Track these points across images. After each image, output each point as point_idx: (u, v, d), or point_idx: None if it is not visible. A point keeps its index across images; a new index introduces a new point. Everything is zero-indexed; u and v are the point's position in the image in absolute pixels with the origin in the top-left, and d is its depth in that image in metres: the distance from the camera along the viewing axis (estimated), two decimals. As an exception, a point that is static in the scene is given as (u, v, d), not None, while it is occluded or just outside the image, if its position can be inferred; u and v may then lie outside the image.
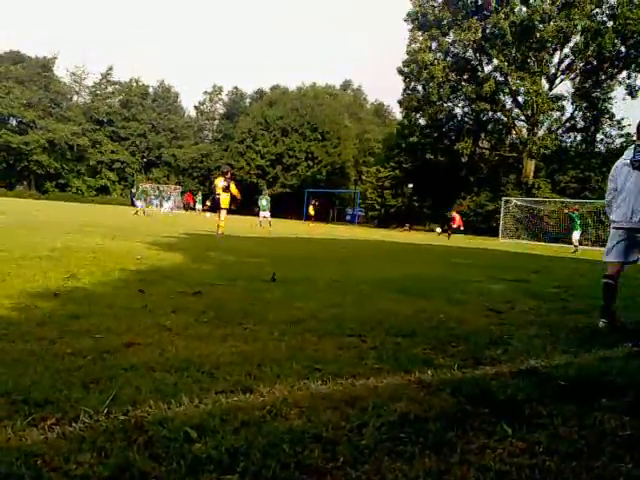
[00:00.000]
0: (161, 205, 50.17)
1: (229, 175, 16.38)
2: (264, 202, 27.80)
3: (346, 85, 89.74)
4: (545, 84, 44.07)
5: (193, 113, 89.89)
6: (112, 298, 4.23)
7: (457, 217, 31.05)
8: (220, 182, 15.91)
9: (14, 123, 72.51)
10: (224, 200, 15.90)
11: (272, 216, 28.09)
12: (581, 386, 2.75)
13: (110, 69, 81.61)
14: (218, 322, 3.64)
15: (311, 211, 35.35)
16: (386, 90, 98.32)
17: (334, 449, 1.84)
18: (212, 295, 4.71)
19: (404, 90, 50.25)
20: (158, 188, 64.52)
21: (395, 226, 47.37)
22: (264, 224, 25.88)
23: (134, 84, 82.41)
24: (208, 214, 37.29)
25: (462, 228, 31.22)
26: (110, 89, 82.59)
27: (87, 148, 75.13)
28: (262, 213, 27.42)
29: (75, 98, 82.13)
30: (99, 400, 2.06)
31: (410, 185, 49.10)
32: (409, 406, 2.29)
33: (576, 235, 22.61)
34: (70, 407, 1.99)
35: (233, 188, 16.06)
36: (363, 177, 62.75)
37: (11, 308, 3.58)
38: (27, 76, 72.59)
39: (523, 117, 45.15)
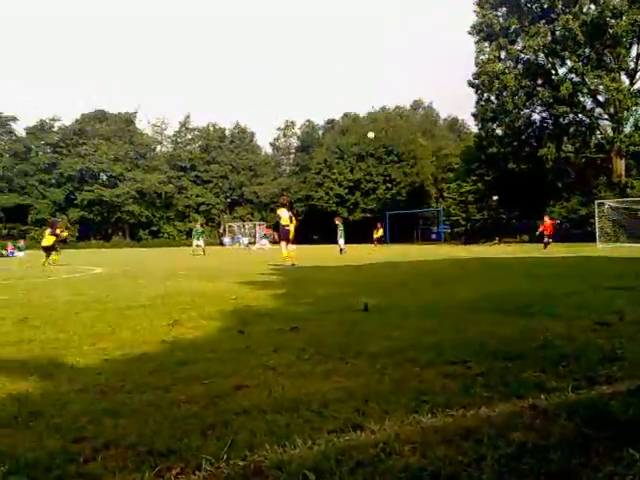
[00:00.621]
0: (251, 243, 51.88)
1: (289, 205, 16.66)
2: (340, 228, 27.97)
3: (417, 105, 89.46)
4: (625, 80, 42.09)
5: (269, 150, 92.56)
6: (215, 341, 4.38)
7: (548, 222, 29.25)
8: (284, 213, 16.08)
9: (104, 177, 77.42)
10: (292, 231, 16.16)
11: (356, 242, 28.16)
12: None
13: (188, 117, 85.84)
14: (319, 358, 3.68)
15: (375, 234, 34.93)
16: (458, 104, 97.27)
17: (455, 486, 1.81)
18: (308, 330, 4.76)
19: (477, 102, 49.55)
20: (244, 226, 66.62)
21: (484, 241, 46.18)
22: (344, 251, 26.05)
23: (211, 129, 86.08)
24: (294, 246, 38.07)
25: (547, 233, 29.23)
26: (189, 136, 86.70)
27: (174, 194, 78.95)
28: (340, 240, 27.53)
29: (158, 148, 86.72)
30: (217, 447, 2.13)
31: (495, 197, 47.86)
32: (527, 435, 2.21)
33: None
34: (192, 455, 2.07)
35: (293, 219, 16.34)
36: (444, 194, 61.93)
37: (124, 359, 3.78)
38: (112, 132, 77.49)
39: (606, 116, 43.21)
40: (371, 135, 42.37)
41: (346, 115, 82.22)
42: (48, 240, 19.41)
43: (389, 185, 67.83)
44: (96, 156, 74.28)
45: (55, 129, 78.43)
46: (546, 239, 28.18)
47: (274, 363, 3.54)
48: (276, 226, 16.58)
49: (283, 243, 16.16)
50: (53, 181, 74.91)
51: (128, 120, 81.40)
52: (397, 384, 2.99)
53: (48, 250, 19.20)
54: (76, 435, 2.31)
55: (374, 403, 2.65)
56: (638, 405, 2.53)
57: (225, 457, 2.04)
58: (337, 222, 28.82)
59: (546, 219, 29.66)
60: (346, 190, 69.18)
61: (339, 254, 25.16)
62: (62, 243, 20.33)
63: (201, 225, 36.53)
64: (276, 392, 2.88)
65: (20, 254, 36.47)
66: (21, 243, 41.23)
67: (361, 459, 2.01)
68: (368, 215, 64.06)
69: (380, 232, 34.56)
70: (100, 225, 75.84)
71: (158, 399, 2.80)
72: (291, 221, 16.11)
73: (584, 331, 4.45)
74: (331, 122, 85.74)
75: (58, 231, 19.80)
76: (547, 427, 2.30)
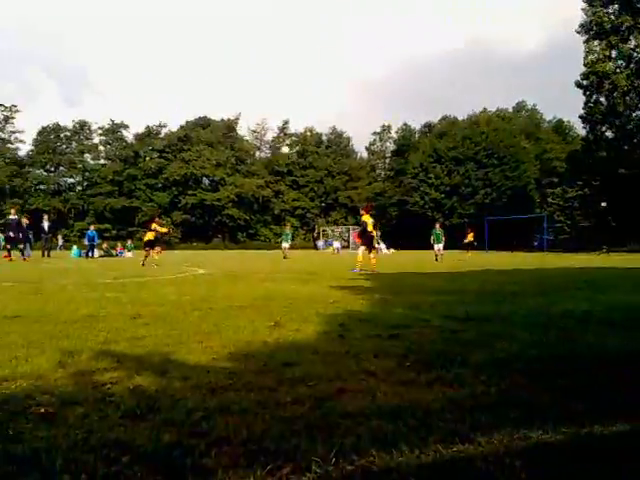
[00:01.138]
0: (344, 247, 52.16)
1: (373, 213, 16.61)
2: (437, 233, 27.44)
3: (520, 107, 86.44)
4: None
5: (365, 154, 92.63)
6: (316, 344, 4.44)
7: None
8: (370, 219, 16.00)
9: (207, 182, 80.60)
10: (375, 237, 16.14)
11: (451, 248, 27.55)
12: None
13: (286, 122, 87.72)
14: (420, 366, 3.63)
15: (466, 239, 33.61)
16: (564, 106, 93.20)
17: (572, 507, 1.73)
18: (409, 337, 4.72)
19: (585, 104, 47.16)
20: (337, 230, 67.27)
21: (592, 249, 43.71)
22: (440, 258, 25.57)
23: (308, 134, 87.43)
24: (391, 251, 38.02)
25: None
26: (287, 141, 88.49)
27: (271, 198, 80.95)
28: (436, 246, 27.05)
29: (257, 154, 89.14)
30: (325, 449, 2.16)
31: (603, 204, 45.28)
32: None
33: None
34: (300, 456, 2.11)
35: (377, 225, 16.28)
36: (548, 199, 59.43)
37: (230, 358, 3.91)
38: (215, 138, 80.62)
39: None
40: None
41: (444, 118, 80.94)
42: (148, 235, 20.10)
43: (488, 190, 65.97)
44: (199, 162, 77.58)
45: (161, 135, 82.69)
46: None
47: (375, 369, 3.54)
48: (363, 232, 16.42)
49: (363, 248, 16.06)
50: (159, 185, 78.93)
51: (230, 126, 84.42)
52: (504, 396, 2.90)
53: (148, 245, 19.79)
54: (190, 430, 2.42)
55: (481, 415, 2.59)
56: None
57: (333, 460, 2.06)
58: (437, 227, 28.36)
59: None
60: (443, 195, 68.06)
61: (434, 260, 24.74)
62: (159, 241, 20.42)
63: (290, 227, 36.97)
64: (379, 398, 2.89)
65: (129, 254, 38.67)
66: (129, 243, 43.66)
67: (471, 472, 1.97)
68: (465, 220, 62.49)
69: (470, 237, 33.50)
70: (201, 228, 79.02)
71: (265, 399, 2.88)
72: (374, 227, 16.11)
73: None
74: (428, 125, 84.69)
75: (154, 225, 20.00)
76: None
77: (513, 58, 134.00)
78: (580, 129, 57.85)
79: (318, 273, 15.07)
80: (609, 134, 47.22)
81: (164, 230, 20.39)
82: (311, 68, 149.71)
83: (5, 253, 24.83)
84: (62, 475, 1.98)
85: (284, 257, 28.68)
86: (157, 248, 20.25)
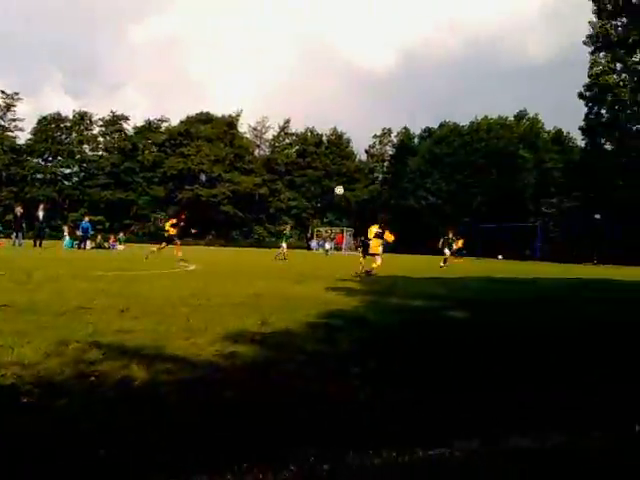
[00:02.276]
0: (337, 249, 51.86)
1: (383, 224, 16.77)
2: (451, 240, 27.32)
3: (521, 115, 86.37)
4: None
5: (364, 156, 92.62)
6: (302, 343, 4.45)
7: None
8: (374, 229, 16.26)
9: (203, 178, 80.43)
10: (374, 246, 16.24)
11: (440, 254, 27.52)
12: None
13: (287, 122, 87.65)
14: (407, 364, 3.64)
15: (455, 245, 32.66)
16: (565, 116, 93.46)
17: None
18: (388, 341, 4.73)
19: (586, 115, 47.40)
20: (331, 231, 67.33)
21: (584, 260, 43.57)
22: (446, 263, 25.54)
23: (309, 134, 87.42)
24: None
25: None
26: (287, 140, 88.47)
27: (267, 197, 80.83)
28: (446, 250, 26.99)
29: (256, 152, 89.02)
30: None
31: (597, 216, 45.39)
32: None
33: None
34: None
35: (388, 235, 16.35)
36: (543, 209, 59.60)
37: (218, 354, 3.92)
38: (214, 134, 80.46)
39: None
40: (339, 191, 40.07)
41: (444, 124, 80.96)
42: (171, 230, 21.27)
43: (484, 197, 66.09)
44: (198, 157, 77.46)
45: (162, 129, 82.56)
46: None
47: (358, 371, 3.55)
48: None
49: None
50: (156, 179, 78.75)
51: (230, 123, 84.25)
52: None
53: (167, 240, 21.33)
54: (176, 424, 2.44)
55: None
56: None
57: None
58: (450, 234, 28.09)
59: None
60: (440, 201, 68.18)
61: (441, 265, 24.47)
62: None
63: (290, 229, 36.77)
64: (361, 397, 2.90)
65: (120, 247, 38.49)
66: (121, 235, 43.55)
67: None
68: (461, 227, 62.48)
69: (459, 244, 33.01)
70: (195, 224, 78.87)
71: (252, 397, 2.90)
72: (376, 237, 16.18)
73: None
74: (427, 131, 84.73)
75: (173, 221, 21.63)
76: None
77: (517, 65, 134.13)
78: (580, 140, 58.13)
79: (311, 274, 15.08)
80: (608, 147, 47.52)
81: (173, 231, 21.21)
82: (315, 67, 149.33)
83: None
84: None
85: (282, 258, 28.28)
86: (177, 242, 21.21)
